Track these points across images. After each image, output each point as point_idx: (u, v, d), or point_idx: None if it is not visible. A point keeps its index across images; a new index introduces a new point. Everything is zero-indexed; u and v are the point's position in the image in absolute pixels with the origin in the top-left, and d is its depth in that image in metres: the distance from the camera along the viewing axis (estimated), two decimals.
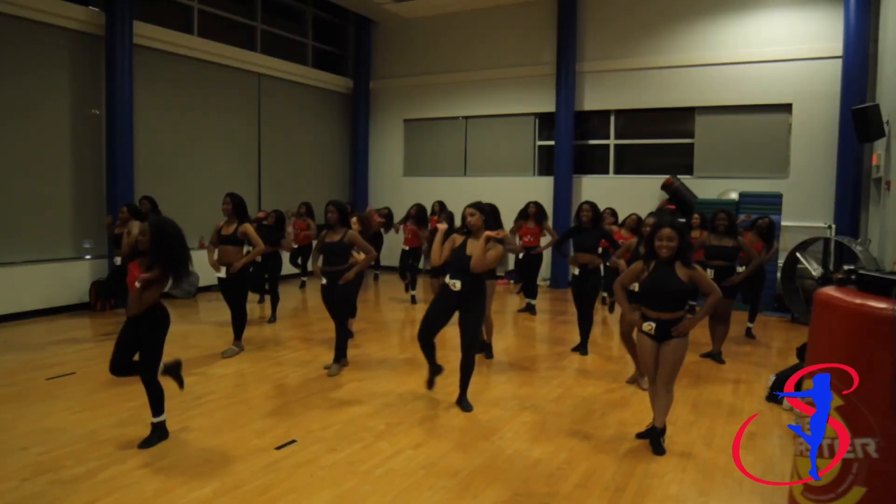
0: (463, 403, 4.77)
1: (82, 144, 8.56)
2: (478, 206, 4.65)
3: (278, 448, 3.95)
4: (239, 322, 6.17)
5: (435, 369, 4.91)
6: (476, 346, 4.82)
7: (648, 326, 3.95)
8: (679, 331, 3.88)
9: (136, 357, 3.96)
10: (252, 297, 8.37)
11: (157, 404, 3.98)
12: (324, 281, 5.60)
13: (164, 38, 9.37)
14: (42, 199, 8.15)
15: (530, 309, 8.69)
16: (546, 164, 11.79)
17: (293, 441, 4.07)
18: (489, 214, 4.71)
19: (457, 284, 4.56)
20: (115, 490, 3.36)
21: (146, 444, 3.91)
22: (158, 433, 3.99)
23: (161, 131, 9.52)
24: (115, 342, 3.98)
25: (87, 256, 8.54)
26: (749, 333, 7.43)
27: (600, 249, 6.48)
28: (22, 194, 7.92)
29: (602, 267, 6.75)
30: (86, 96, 8.59)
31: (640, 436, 4.21)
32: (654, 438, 4.04)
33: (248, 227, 6.00)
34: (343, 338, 5.71)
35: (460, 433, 4.28)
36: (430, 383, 4.95)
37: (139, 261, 3.85)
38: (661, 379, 3.99)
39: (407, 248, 9.27)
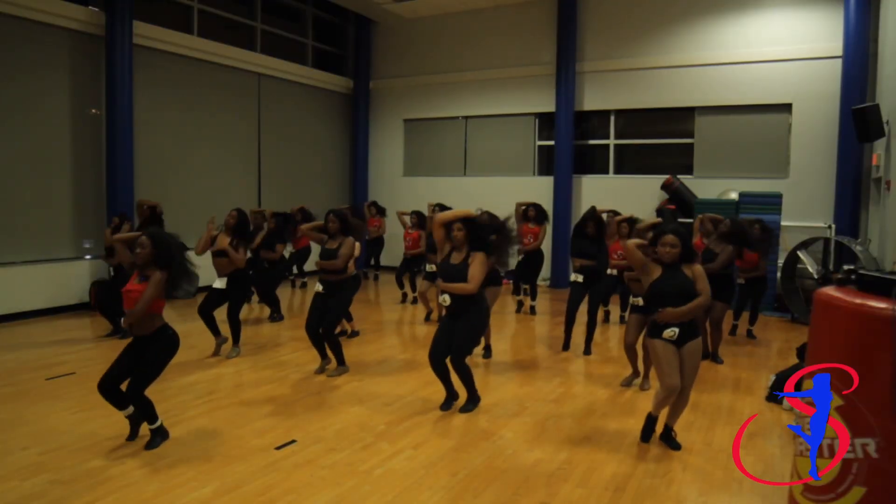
0: (462, 404, 4.76)
1: (82, 144, 8.56)
2: (469, 222, 4.45)
3: (278, 448, 3.95)
4: (236, 329, 6.24)
5: (451, 394, 4.76)
6: (466, 355, 4.63)
7: (672, 332, 3.90)
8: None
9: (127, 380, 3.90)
10: (262, 315, 8.30)
11: (149, 415, 3.96)
12: (319, 288, 5.49)
13: (164, 38, 9.37)
14: (42, 199, 8.15)
15: (531, 310, 8.70)
16: (546, 164, 11.79)
17: (293, 441, 4.07)
18: (487, 226, 4.58)
19: (446, 300, 4.44)
20: (115, 490, 3.36)
21: (150, 445, 3.92)
22: (160, 435, 3.99)
23: (161, 131, 9.52)
24: (114, 360, 3.95)
25: (87, 256, 8.54)
26: (750, 334, 7.43)
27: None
28: (22, 194, 7.92)
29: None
30: (86, 96, 8.59)
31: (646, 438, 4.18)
32: (667, 436, 4.11)
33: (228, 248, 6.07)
34: (337, 343, 5.63)
35: (460, 433, 4.29)
36: (445, 406, 4.75)
37: (136, 274, 3.86)
38: (685, 381, 3.98)
39: (409, 255, 8.99)
